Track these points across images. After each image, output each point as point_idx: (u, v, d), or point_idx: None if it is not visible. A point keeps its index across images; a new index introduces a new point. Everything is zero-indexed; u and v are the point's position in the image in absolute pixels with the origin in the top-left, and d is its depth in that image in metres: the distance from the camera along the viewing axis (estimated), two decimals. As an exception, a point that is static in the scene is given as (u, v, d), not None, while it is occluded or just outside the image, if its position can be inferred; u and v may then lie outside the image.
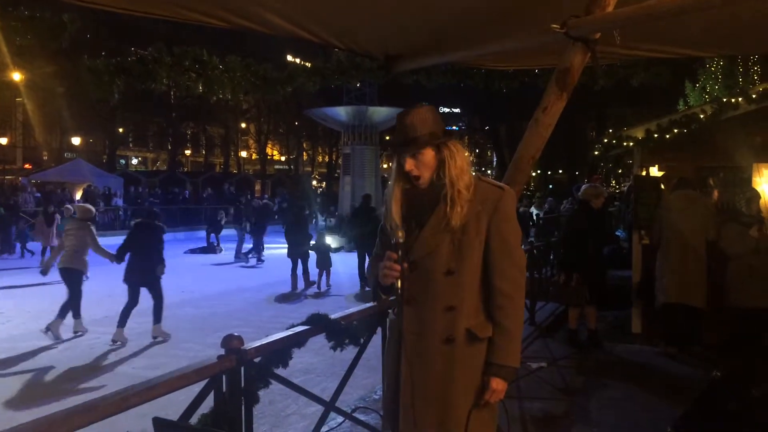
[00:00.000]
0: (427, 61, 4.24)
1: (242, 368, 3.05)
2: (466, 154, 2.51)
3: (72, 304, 9.11)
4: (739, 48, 5.17)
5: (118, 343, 8.56)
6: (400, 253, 2.35)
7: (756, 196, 6.73)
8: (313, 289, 13.38)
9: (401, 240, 2.36)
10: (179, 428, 1.61)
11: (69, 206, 14.02)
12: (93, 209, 10.09)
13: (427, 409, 2.44)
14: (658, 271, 6.89)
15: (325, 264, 13.41)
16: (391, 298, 2.66)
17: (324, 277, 13.51)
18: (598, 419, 5.09)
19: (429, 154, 2.44)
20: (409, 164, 2.44)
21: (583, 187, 7.63)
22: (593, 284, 7.18)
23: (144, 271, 8.81)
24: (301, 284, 13.37)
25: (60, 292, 12.35)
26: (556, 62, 3.54)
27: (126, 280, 8.89)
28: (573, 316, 7.40)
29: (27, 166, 43.38)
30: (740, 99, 7.27)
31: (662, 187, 7.53)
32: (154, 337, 8.87)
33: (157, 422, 1.61)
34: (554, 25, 3.09)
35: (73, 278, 9.19)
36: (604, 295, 7.38)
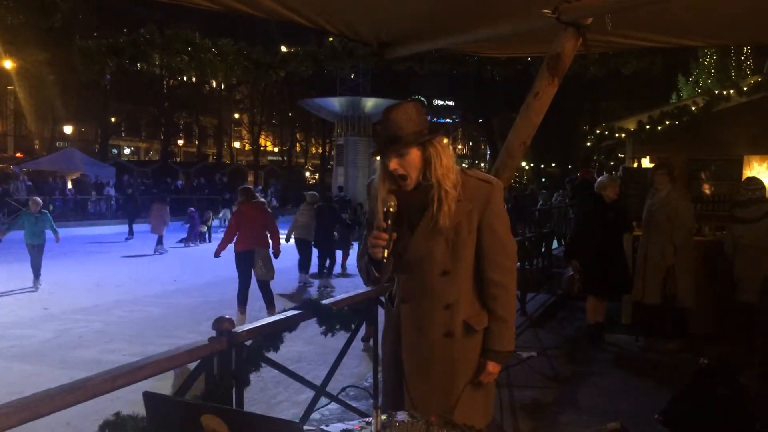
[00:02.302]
0: (420, 47, 4.22)
1: (233, 350, 3.06)
2: (451, 151, 2.48)
3: (303, 264, 12.73)
4: (730, 38, 5.18)
5: (328, 289, 11.92)
6: (389, 222, 2.35)
7: None
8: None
9: (392, 210, 2.35)
10: (169, 401, 1.62)
11: (37, 199, 13.05)
12: (318, 195, 13.76)
13: (430, 396, 2.49)
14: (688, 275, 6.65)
15: (345, 247, 14.48)
16: (386, 284, 2.69)
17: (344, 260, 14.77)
18: (587, 407, 5.12)
19: (414, 154, 2.39)
20: (394, 164, 2.39)
21: (599, 179, 7.32)
22: (593, 276, 6.89)
23: (323, 239, 12.75)
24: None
25: (44, 280, 12.34)
26: (548, 50, 3.54)
27: (315, 245, 12.76)
28: (589, 310, 7.13)
29: (18, 154, 43.10)
30: (732, 91, 7.30)
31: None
32: (325, 287, 12.06)
33: (148, 396, 1.62)
34: (545, 10, 3.10)
35: (305, 245, 12.66)
36: (614, 287, 7.03)
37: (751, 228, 6.44)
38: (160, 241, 18.05)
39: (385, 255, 2.35)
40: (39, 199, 12.94)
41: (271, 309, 9.01)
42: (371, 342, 6.86)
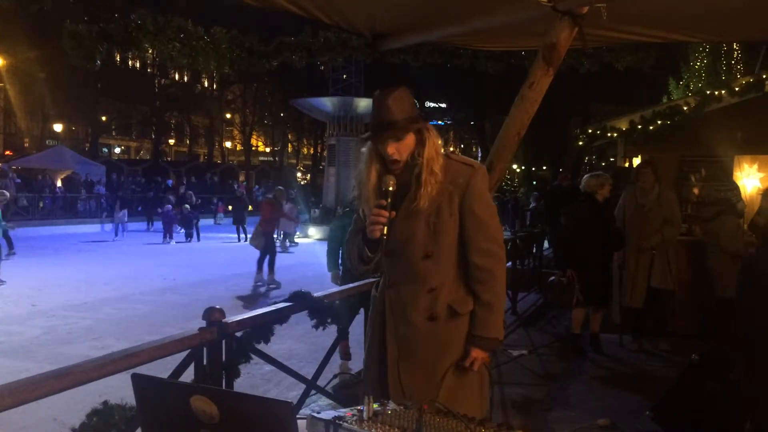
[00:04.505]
0: (415, 39, 4.19)
1: (223, 341, 3.02)
2: (438, 135, 2.50)
3: None
4: (725, 35, 5.19)
5: None
6: (389, 200, 2.36)
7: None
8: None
9: (392, 188, 2.36)
10: (159, 382, 1.60)
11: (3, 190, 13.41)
12: None
13: (414, 382, 2.47)
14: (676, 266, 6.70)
15: None
16: (377, 275, 2.66)
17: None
18: (577, 404, 5.12)
19: (411, 138, 2.42)
20: (392, 148, 2.40)
21: (585, 177, 6.94)
22: (593, 284, 6.46)
23: None
24: None
25: (33, 277, 12.26)
26: (543, 43, 3.53)
27: None
28: (577, 319, 6.73)
29: (8, 152, 42.82)
30: (724, 92, 7.32)
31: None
32: None
33: (136, 378, 1.59)
34: (542, -1, 3.08)
35: None
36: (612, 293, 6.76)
37: (707, 226, 6.65)
38: (288, 238, 18.95)
39: (385, 232, 2.35)
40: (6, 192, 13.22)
41: (270, 269, 12.39)
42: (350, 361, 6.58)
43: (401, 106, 2.39)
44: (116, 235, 21.37)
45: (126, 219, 22.46)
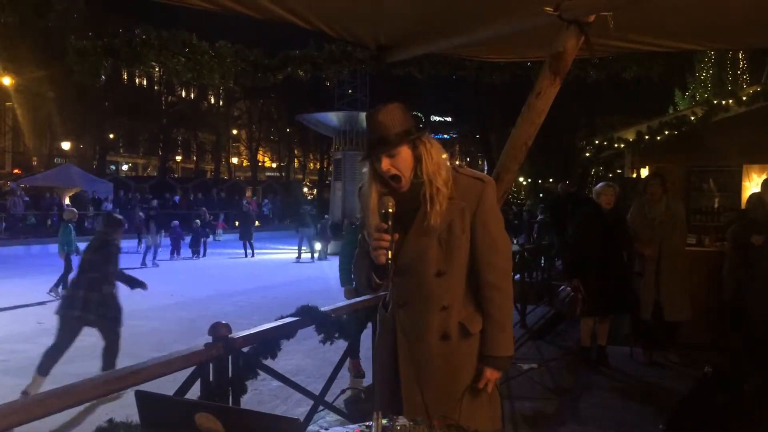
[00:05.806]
0: (419, 50, 4.17)
1: (230, 357, 2.99)
2: (440, 148, 2.43)
3: None
4: (733, 42, 5.16)
5: None
6: (390, 223, 2.28)
7: None
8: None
9: (391, 210, 2.29)
10: (163, 400, 1.56)
11: (73, 208, 13.98)
12: None
13: (429, 403, 2.40)
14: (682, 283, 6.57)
15: None
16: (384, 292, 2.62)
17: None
18: (589, 417, 5.05)
19: (406, 152, 2.35)
20: (386, 163, 2.34)
21: (598, 186, 6.78)
22: (594, 292, 6.26)
23: None
24: None
25: (39, 295, 12.27)
26: (549, 53, 3.51)
27: None
28: (585, 331, 6.60)
29: (16, 170, 43.07)
30: (731, 101, 7.28)
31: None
32: None
33: (140, 395, 1.56)
34: (547, 8, 3.05)
35: None
36: (616, 303, 6.43)
37: (726, 233, 6.61)
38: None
39: (389, 256, 2.29)
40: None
41: None
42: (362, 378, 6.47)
43: (392, 120, 2.33)
44: (143, 262, 18.07)
45: (160, 242, 19.66)
